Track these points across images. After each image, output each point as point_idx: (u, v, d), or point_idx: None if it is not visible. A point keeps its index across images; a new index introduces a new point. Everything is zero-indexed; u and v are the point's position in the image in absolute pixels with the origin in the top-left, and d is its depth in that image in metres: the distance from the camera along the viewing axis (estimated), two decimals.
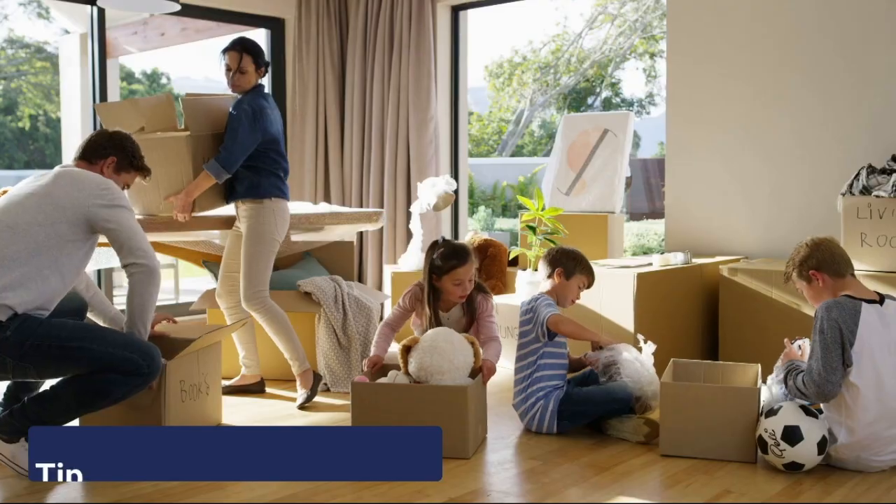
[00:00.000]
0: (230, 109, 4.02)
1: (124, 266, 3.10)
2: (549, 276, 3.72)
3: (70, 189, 3.04)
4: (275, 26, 6.76)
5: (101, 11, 5.88)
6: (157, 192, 4.07)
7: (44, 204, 3.00)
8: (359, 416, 3.28)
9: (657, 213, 14.63)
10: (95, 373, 2.96)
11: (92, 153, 3.25)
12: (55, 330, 2.96)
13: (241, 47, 4.04)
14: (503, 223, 15.14)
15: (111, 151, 3.26)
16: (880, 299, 3.09)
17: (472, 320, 3.69)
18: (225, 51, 4.06)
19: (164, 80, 18.51)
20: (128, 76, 17.05)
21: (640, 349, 3.61)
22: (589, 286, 3.78)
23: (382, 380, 3.43)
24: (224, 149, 3.95)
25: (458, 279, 3.61)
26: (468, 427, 3.18)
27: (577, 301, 3.82)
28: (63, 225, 2.99)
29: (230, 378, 4.31)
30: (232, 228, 4.26)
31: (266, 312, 4.04)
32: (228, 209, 4.28)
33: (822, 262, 3.16)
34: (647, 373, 3.49)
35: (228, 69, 4.03)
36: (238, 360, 4.33)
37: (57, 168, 3.17)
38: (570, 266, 3.70)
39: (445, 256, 3.61)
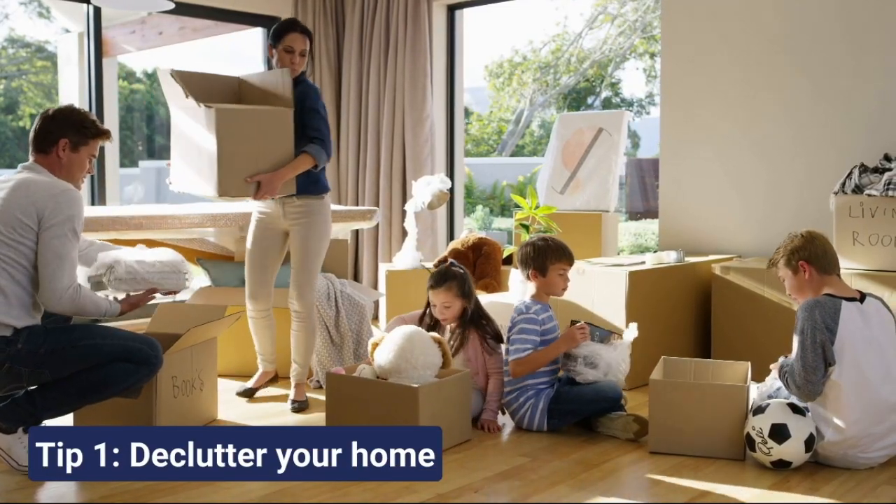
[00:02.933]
0: (310, 96, 3.78)
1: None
2: (528, 279, 3.71)
3: (24, 202, 2.96)
4: (271, 25, 6.76)
5: (97, 10, 5.89)
6: (252, 170, 3.62)
7: (4, 221, 2.95)
8: (332, 405, 3.43)
9: (654, 213, 14.64)
10: (105, 364, 3.00)
11: (42, 142, 3.11)
12: (65, 334, 3.00)
13: (304, 30, 3.82)
14: (502, 223, 15.17)
15: (59, 134, 3.10)
16: (861, 297, 3.11)
17: (459, 348, 3.71)
18: (287, 31, 3.79)
19: None
20: (129, 75, 17.08)
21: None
22: (570, 266, 3.72)
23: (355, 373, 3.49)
24: (324, 137, 3.77)
25: (432, 301, 3.73)
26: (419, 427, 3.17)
27: (567, 290, 3.78)
28: (27, 241, 2.96)
29: (226, 375, 4.31)
30: (256, 223, 3.99)
31: (314, 315, 3.96)
32: (218, 206, 4.27)
33: (814, 255, 3.17)
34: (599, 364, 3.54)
35: (290, 51, 3.78)
36: (236, 356, 4.34)
37: (16, 174, 3.09)
38: (541, 262, 3.66)
39: (430, 276, 3.77)
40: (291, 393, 4.03)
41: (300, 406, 3.94)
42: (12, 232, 2.94)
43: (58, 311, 3.05)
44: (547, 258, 3.65)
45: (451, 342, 3.70)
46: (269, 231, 3.98)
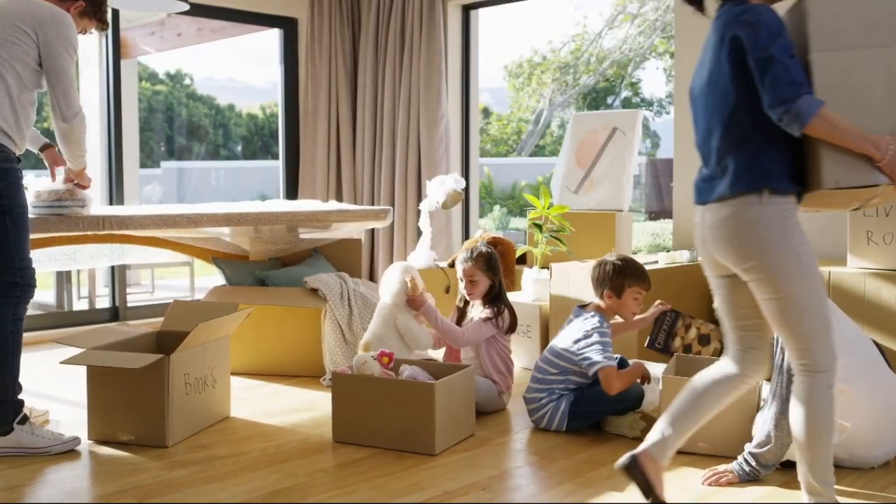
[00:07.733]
0: None
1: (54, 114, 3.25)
2: (601, 298, 3.58)
3: (24, 13, 3.14)
4: (287, 26, 6.82)
5: (115, 12, 5.96)
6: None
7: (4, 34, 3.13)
8: (339, 406, 3.39)
9: (671, 213, 14.62)
10: None
11: None
12: (18, 205, 3.10)
13: None
14: (519, 223, 15.17)
15: None
16: None
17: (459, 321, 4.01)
18: None
19: (187, 81, 18.68)
20: (151, 76, 17.21)
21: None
22: (646, 290, 3.58)
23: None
24: None
25: (459, 276, 3.99)
26: (435, 423, 3.18)
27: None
28: (22, 45, 3.12)
29: (239, 373, 4.33)
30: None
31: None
32: (232, 205, 4.25)
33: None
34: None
35: None
36: (250, 354, 4.35)
37: None
38: (618, 283, 3.53)
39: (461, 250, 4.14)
40: None
41: None
42: (8, 35, 3.10)
43: (71, 129, 3.24)
44: (626, 279, 3.53)
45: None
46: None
